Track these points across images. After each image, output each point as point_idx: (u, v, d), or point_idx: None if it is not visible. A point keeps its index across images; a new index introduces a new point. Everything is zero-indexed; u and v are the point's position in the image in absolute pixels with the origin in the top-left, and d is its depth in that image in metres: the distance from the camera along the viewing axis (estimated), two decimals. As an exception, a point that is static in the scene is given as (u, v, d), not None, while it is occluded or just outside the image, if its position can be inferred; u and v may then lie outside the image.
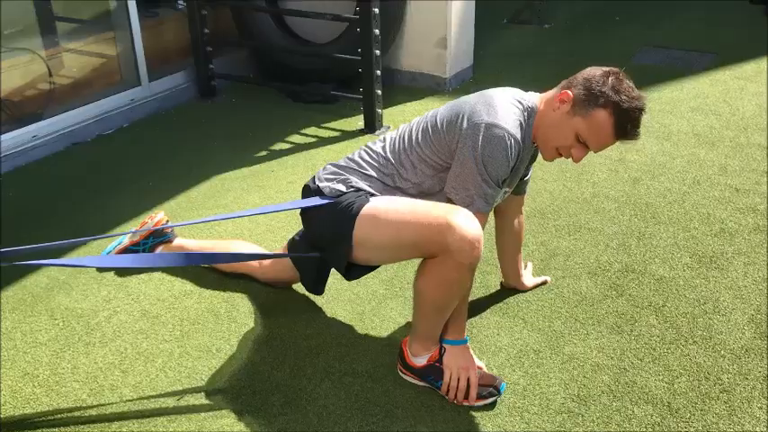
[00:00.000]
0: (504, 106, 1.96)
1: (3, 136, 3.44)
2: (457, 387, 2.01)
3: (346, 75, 4.10)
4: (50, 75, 3.75)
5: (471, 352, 2.08)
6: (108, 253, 2.69)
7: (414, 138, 2.07)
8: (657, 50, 5.20)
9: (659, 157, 3.51)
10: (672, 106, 4.12)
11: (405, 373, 2.13)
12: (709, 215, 2.98)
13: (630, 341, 2.27)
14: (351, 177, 2.11)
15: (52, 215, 3.09)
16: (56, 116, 3.70)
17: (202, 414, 2.02)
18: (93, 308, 2.47)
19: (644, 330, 2.32)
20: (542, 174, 3.36)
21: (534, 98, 2.06)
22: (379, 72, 3.78)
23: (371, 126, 3.84)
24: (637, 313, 2.40)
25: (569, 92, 1.97)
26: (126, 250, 2.68)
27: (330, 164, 2.21)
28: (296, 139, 3.85)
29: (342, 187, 2.09)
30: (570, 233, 2.88)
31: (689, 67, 4.77)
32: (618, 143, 2.01)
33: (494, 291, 2.54)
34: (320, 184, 2.13)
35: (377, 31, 3.68)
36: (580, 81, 1.98)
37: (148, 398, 2.08)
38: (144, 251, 2.67)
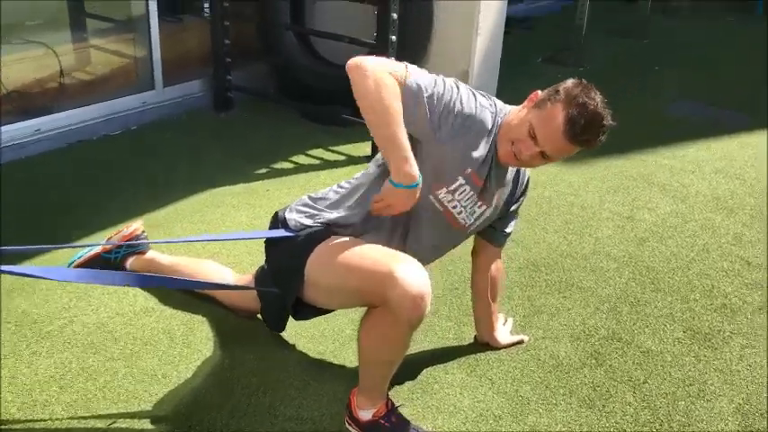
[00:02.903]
0: (479, 93, 1.93)
1: (5, 127, 3.41)
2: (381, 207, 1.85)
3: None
4: (62, 70, 3.73)
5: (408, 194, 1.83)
6: (79, 257, 2.61)
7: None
8: (692, 104, 5.01)
9: (671, 218, 3.33)
10: (696, 166, 3.93)
11: (350, 425, 1.99)
12: (713, 288, 2.79)
13: (601, 418, 2.10)
14: (320, 212, 2.01)
15: (39, 212, 3.04)
16: (63, 112, 3.67)
17: (128, 444, 1.91)
18: (49, 314, 2.39)
19: (617, 408, 2.15)
20: (544, 224, 3.21)
21: (508, 107, 1.99)
22: (391, 100, 3.67)
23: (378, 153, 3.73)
24: (613, 387, 2.23)
25: (539, 92, 1.90)
26: (98, 257, 2.60)
27: (307, 195, 2.12)
28: (300, 159, 3.76)
29: (307, 221, 2.00)
30: (560, 290, 2.72)
31: (720, 126, 4.56)
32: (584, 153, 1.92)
33: (466, 344, 2.40)
34: (287, 215, 2.04)
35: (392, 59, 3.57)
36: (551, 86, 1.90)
37: (78, 418, 1.98)
38: (115, 260, 2.60)
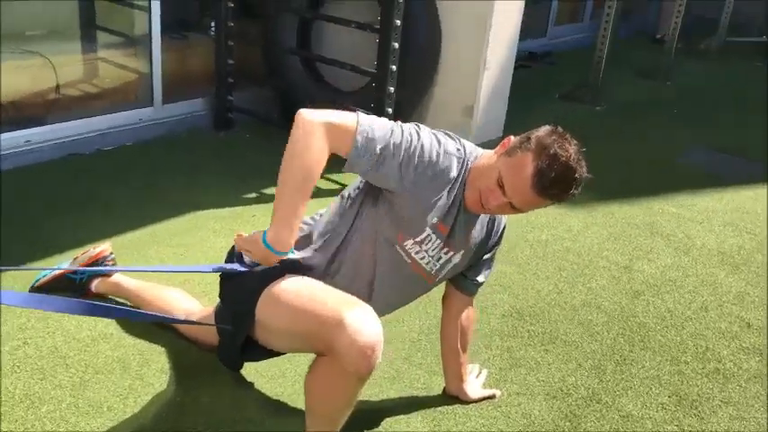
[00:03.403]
0: (448, 136, 1.85)
1: (-7, 137, 3.38)
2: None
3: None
4: (58, 81, 3.69)
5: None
6: (44, 276, 2.53)
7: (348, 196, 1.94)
8: (709, 151, 4.85)
9: (671, 271, 3.17)
10: (704, 216, 3.77)
11: (297, 478, 1.87)
12: (707, 350, 2.62)
13: (567, 488, 1.96)
14: None
15: (17, 224, 2.97)
16: (57, 124, 3.62)
17: (56, 483, 1.80)
18: (3, 335, 2.30)
19: (587, 478, 2.00)
20: (536, 269, 3.07)
21: (480, 151, 1.89)
22: (388, 131, 3.57)
23: (372, 185, 3.63)
24: (586, 454, 2.08)
25: (511, 137, 1.80)
26: (62, 278, 2.52)
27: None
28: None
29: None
30: (543, 343, 2.57)
31: (735, 176, 4.39)
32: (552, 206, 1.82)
33: (434, 395, 2.26)
34: None
35: (391, 89, 3.49)
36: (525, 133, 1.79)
37: (10, 451, 1.88)
38: (80, 282, 2.52)
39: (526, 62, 6.76)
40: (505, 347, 2.53)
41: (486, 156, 1.83)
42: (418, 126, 1.81)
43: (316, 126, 1.69)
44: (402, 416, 2.15)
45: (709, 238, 3.54)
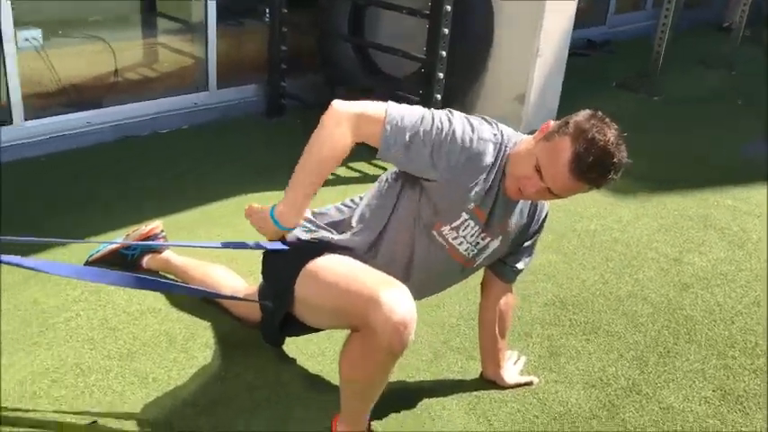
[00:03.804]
0: (483, 121, 1.85)
1: (57, 117, 3.51)
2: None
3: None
4: (117, 66, 3.81)
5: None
6: (98, 252, 2.63)
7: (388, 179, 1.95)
8: (770, 145, 4.69)
9: (723, 265, 3.09)
10: (762, 210, 3.65)
11: (331, 452, 1.91)
12: (756, 346, 2.56)
13: (602, 476, 1.94)
14: (319, 229, 1.96)
15: (75, 203, 3.09)
16: (115, 106, 3.74)
17: (102, 447, 1.89)
18: (58, 306, 2.40)
19: (622, 467, 1.98)
20: (582, 259, 3.04)
21: (519, 136, 1.88)
22: (437, 117, 3.58)
23: (420, 172, 3.64)
24: (622, 444, 2.06)
25: (551, 122, 1.78)
26: (115, 254, 2.61)
27: (310, 210, 2.05)
28: (341, 171, 3.70)
29: (304, 236, 1.93)
30: (585, 333, 2.55)
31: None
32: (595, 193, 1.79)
33: (470, 379, 2.27)
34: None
35: (441, 75, 3.49)
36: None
37: (62, 413, 1.97)
38: (132, 258, 2.61)
39: (584, 50, 6.63)
40: (546, 336, 2.52)
41: (525, 141, 1.83)
42: (451, 112, 1.81)
43: (344, 116, 1.74)
44: (438, 398, 2.16)
45: (766, 231, 3.43)
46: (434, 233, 1.87)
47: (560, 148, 1.69)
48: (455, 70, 3.70)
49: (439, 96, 3.55)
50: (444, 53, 3.44)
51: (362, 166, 3.77)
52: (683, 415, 2.19)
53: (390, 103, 1.79)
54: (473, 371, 2.30)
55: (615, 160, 1.68)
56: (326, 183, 3.47)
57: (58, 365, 2.15)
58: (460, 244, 1.89)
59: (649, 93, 5.55)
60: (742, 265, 3.11)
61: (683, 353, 2.48)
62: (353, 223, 1.94)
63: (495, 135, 1.81)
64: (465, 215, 1.84)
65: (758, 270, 3.07)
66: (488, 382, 2.24)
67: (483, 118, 1.86)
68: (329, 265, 1.80)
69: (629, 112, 5.02)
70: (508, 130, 1.86)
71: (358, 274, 1.75)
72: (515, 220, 1.94)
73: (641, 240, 3.25)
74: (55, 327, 2.31)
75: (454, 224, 1.85)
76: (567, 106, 4.45)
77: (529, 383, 2.25)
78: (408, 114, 1.77)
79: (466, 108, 4.24)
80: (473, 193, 1.81)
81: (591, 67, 6.04)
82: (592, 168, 1.66)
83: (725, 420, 2.19)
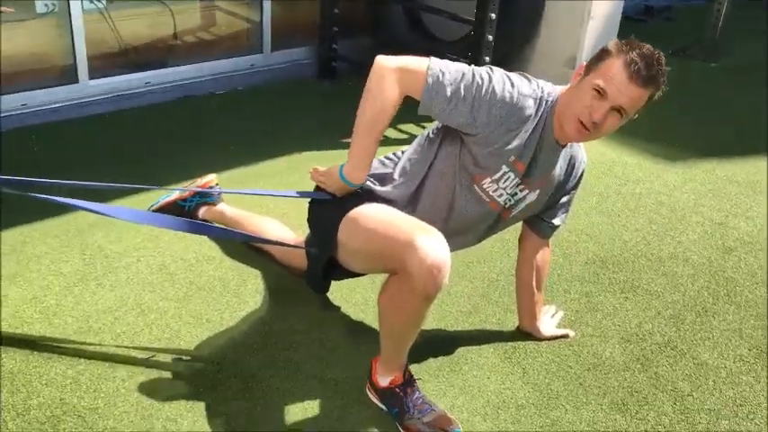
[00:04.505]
0: (522, 78, 1.91)
1: (118, 77, 3.68)
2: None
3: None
4: (176, 28, 3.94)
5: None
6: (157, 203, 2.78)
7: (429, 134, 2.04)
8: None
9: (770, 230, 3.08)
10: (816, 177, 3.60)
11: (370, 391, 2.02)
12: (797, 308, 2.57)
13: (630, 424, 2.01)
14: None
15: (137, 157, 3.26)
16: (174, 67, 3.89)
17: (159, 378, 2.03)
18: (121, 251, 2.57)
19: (651, 416, 2.04)
20: (625, 221, 3.06)
21: (558, 89, 1.95)
22: (485, 80, 3.61)
23: (467, 134, 3.68)
24: (653, 395, 2.11)
25: (583, 63, 1.88)
26: (173, 204, 2.76)
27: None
28: (389, 132, 3.72)
29: (348, 187, 2.02)
30: (624, 291, 2.60)
31: None
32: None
33: (507, 330, 2.35)
34: None
35: (490, 38, 3.52)
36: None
37: (123, 347, 2.13)
38: (189, 209, 2.75)
39: (642, 16, 6.53)
40: (584, 292, 2.58)
41: (565, 91, 1.88)
42: (491, 69, 1.87)
43: (388, 71, 1.82)
44: (474, 346, 2.25)
45: (818, 199, 3.38)
46: (475, 187, 1.94)
47: (611, 65, 1.77)
48: (506, 33, 3.72)
49: (488, 59, 3.58)
50: (494, 15, 3.47)
51: (410, 128, 3.84)
52: (716, 371, 2.23)
53: (432, 58, 1.86)
54: (510, 323, 2.38)
55: (662, 59, 1.78)
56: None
57: (120, 305, 2.31)
58: (500, 195, 1.96)
59: (707, 59, 5.45)
60: (789, 230, 3.09)
61: (721, 312, 2.51)
62: (396, 176, 2.02)
63: (534, 90, 1.86)
64: (505, 167, 1.90)
65: (806, 236, 3.05)
66: (525, 333, 2.32)
67: (523, 75, 1.91)
68: (369, 213, 1.90)
69: (684, 78, 4.94)
70: (548, 85, 1.91)
71: (395, 221, 1.84)
72: (554, 174, 2.00)
73: (687, 205, 3.25)
74: (117, 270, 2.47)
75: (495, 177, 1.92)
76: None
77: (565, 336, 2.32)
78: (450, 70, 1.83)
79: (516, 71, 4.26)
80: (513, 146, 1.87)
81: (648, 32, 5.90)
82: (648, 67, 1.75)
83: (759, 377, 2.22)
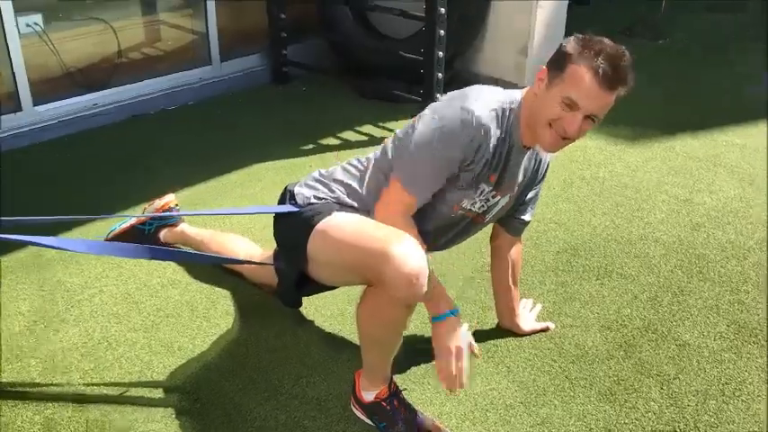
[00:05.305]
0: (478, 94, 1.83)
1: (63, 101, 3.54)
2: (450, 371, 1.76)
3: (416, 74, 3.92)
4: (120, 46, 3.82)
5: (464, 330, 1.81)
6: (113, 230, 2.68)
7: (385, 148, 1.94)
8: (780, 81, 4.64)
9: (734, 202, 3.10)
10: (772, 145, 3.65)
11: (354, 407, 1.96)
12: (769, 279, 2.58)
13: (620, 413, 1.99)
14: (329, 190, 1.97)
15: (87, 184, 3.15)
16: (121, 86, 3.77)
17: (134, 415, 1.94)
18: (82, 284, 2.47)
19: (640, 404, 2.02)
20: (592, 206, 3.06)
21: (517, 93, 1.88)
22: (440, 75, 3.58)
23: (427, 131, 3.64)
24: (639, 381, 2.10)
25: (543, 67, 1.79)
26: (132, 229, 2.66)
27: (318, 170, 2.08)
28: (348, 135, 3.73)
29: (313, 196, 1.96)
30: (598, 277, 2.58)
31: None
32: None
33: (487, 329, 2.31)
34: (297, 189, 2.01)
35: (442, 32, 3.48)
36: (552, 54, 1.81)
37: (93, 386, 2.04)
38: (149, 232, 2.65)
39: (585, -2, 6.56)
40: (560, 282, 2.56)
41: (528, 96, 1.84)
42: (441, 120, 1.80)
43: (392, 223, 1.79)
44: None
45: (776, 167, 3.43)
46: (453, 211, 1.92)
47: (578, 73, 1.70)
48: (454, 28, 3.68)
49: (441, 54, 3.54)
50: (443, 10, 3.43)
51: (370, 129, 3.80)
52: (698, 350, 2.23)
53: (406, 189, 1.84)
54: (490, 321, 2.34)
55: (626, 55, 1.73)
56: (336, 147, 3.57)
57: (86, 340, 2.21)
58: (473, 205, 1.92)
59: (653, 38, 5.50)
60: (752, 201, 3.12)
61: (697, 290, 2.51)
62: (362, 192, 1.94)
63: (492, 110, 1.81)
64: (483, 185, 1.88)
65: (769, 206, 3.08)
66: (505, 330, 2.29)
67: (478, 90, 1.85)
68: (338, 223, 1.83)
69: (635, 58, 4.97)
70: (504, 94, 1.86)
71: (366, 229, 1.78)
72: (522, 176, 1.97)
73: (651, 184, 3.26)
74: (80, 304, 2.37)
75: (472, 198, 1.90)
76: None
77: (545, 329, 2.29)
78: (413, 166, 1.83)
79: (469, 63, 4.24)
80: (486, 167, 1.84)
81: (591, 15, 5.97)
82: (616, 70, 1.69)
83: (740, 353, 2.22)
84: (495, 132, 1.81)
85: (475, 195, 1.90)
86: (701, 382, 2.10)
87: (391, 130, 3.80)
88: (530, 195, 2.09)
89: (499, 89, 1.90)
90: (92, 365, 2.11)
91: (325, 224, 1.84)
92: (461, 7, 3.81)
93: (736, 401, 2.03)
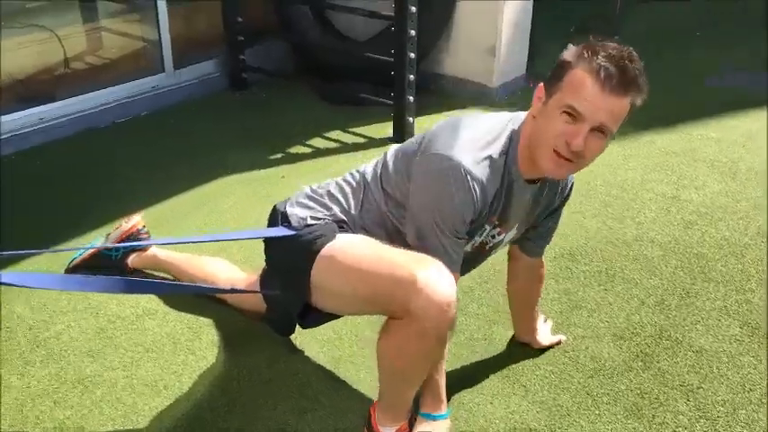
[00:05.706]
0: (471, 134, 1.60)
1: (4, 117, 3.25)
2: None
3: (383, 76, 3.76)
4: (66, 55, 3.54)
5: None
6: (80, 255, 2.44)
7: (387, 164, 1.75)
8: (740, 73, 4.65)
9: (721, 198, 3.05)
10: (747, 138, 3.62)
11: (369, 442, 1.79)
12: (772, 276, 2.52)
13: (650, 429, 1.87)
14: (324, 208, 1.79)
15: (39, 207, 2.88)
16: (69, 99, 3.49)
17: (123, 467, 1.73)
18: (46, 320, 2.22)
19: (669, 418, 1.91)
20: (581, 208, 2.95)
21: (514, 122, 1.67)
22: (412, 77, 3.43)
23: (400, 135, 3.48)
24: (664, 394, 1.99)
25: (540, 85, 1.59)
26: (98, 255, 2.43)
27: (308, 187, 1.90)
28: (317, 142, 3.54)
29: (309, 217, 1.77)
30: (601, 282, 2.47)
31: (772, 94, 4.23)
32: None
33: (498, 345, 2.18)
34: (288, 210, 1.81)
35: (413, 32, 3.33)
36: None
37: (71, 438, 1.81)
38: (116, 257, 2.42)
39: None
40: (562, 290, 2.44)
41: (526, 122, 1.64)
42: (440, 198, 1.60)
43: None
44: (468, 369, 2.07)
45: (755, 160, 3.39)
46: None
47: (578, 79, 1.48)
48: (421, 26, 3.54)
49: (413, 55, 3.39)
50: (414, 9, 3.28)
51: (338, 135, 3.62)
52: (717, 356, 2.13)
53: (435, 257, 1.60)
54: (498, 337, 2.20)
55: (633, 55, 1.51)
56: (306, 156, 3.38)
57: (58, 384, 1.98)
58: (475, 243, 1.77)
59: (608, 33, 5.45)
60: (738, 195, 3.07)
61: (703, 292, 2.43)
62: (356, 218, 1.76)
63: (492, 154, 1.60)
64: (487, 226, 1.72)
65: (755, 199, 3.03)
66: (515, 344, 2.16)
67: (469, 135, 1.62)
68: (348, 248, 1.64)
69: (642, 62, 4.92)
70: (496, 131, 1.65)
71: (383, 254, 1.59)
72: (532, 208, 1.81)
73: (635, 181, 3.18)
74: (47, 342, 2.13)
75: (479, 239, 1.75)
76: (538, 56, 4.36)
77: (558, 343, 2.17)
78: (437, 254, 1.59)
79: (434, 65, 4.10)
80: (487, 213, 1.67)
81: (543, 13, 5.92)
82: (622, 70, 1.47)
83: (758, 357, 2.14)
84: (491, 186, 1.61)
85: (477, 237, 1.74)
86: (725, 390, 2.01)
87: (361, 135, 3.63)
88: (549, 224, 1.96)
89: (499, 118, 1.69)
90: (67, 413, 1.88)
91: (330, 249, 1.65)
92: (426, 7, 3.67)
93: (765, 410, 1.94)
